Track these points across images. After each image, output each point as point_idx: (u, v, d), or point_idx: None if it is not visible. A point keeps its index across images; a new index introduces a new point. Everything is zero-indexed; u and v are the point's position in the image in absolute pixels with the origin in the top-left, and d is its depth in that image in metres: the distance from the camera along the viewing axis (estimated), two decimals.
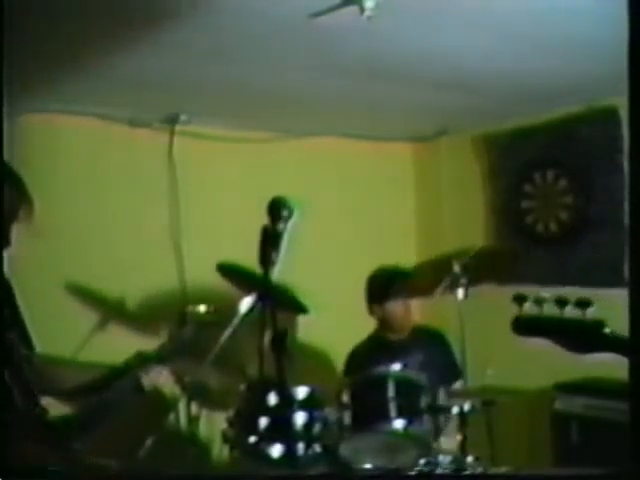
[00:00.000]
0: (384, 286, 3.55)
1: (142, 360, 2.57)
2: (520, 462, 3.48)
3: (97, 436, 2.37)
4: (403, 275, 3.50)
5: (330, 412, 2.65)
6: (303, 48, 3.01)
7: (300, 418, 2.55)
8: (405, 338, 3.64)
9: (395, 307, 3.57)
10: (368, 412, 2.65)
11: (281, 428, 2.52)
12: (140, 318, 3.83)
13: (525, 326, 1.57)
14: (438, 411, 2.68)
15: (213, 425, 3.28)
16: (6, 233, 2.28)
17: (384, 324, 3.64)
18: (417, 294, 3.52)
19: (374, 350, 3.60)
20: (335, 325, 3.90)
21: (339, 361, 3.74)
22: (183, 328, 2.65)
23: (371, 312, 3.63)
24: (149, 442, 2.71)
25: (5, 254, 2.27)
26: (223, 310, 2.70)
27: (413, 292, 3.48)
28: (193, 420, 3.14)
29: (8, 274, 2.31)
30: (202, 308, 2.69)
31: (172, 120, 4.01)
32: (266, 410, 2.56)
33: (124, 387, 2.54)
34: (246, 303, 2.57)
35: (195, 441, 3.13)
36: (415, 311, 3.68)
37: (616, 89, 2.16)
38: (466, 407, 2.75)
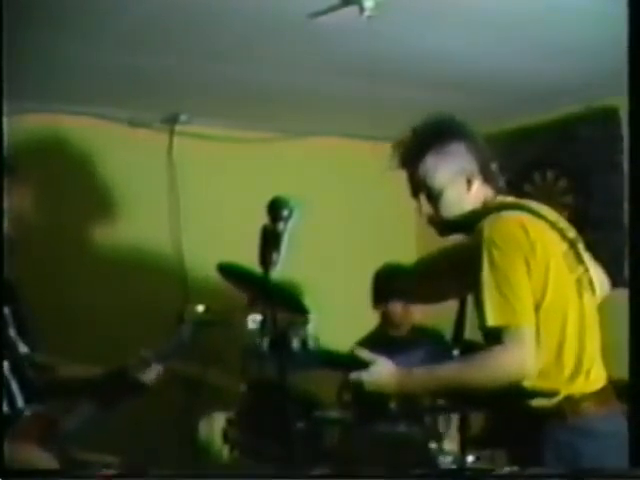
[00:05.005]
0: (386, 286, 3.58)
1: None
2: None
3: (97, 435, 2.37)
4: (406, 274, 3.49)
5: (331, 412, 2.65)
6: (303, 48, 3.01)
7: (300, 417, 2.55)
8: (406, 335, 3.68)
9: (395, 307, 3.62)
10: (368, 412, 2.65)
11: (281, 427, 2.52)
12: (140, 318, 3.83)
13: None
14: (438, 411, 2.68)
15: (213, 425, 3.28)
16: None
17: (386, 320, 3.68)
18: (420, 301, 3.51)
19: (376, 345, 3.61)
20: (336, 325, 3.89)
21: None
22: (181, 327, 2.65)
23: (375, 308, 3.68)
24: (149, 442, 2.70)
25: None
26: (223, 310, 2.70)
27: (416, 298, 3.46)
28: (194, 420, 3.13)
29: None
30: (200, 308, 2.69)
31: (172, 120, 4.01)
32: (266, 410, 2.56)
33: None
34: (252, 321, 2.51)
35: (195, 441, 3.12)
36: (416, 310, 3.69)
37: (616, 89, 2.16)
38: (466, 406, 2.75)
